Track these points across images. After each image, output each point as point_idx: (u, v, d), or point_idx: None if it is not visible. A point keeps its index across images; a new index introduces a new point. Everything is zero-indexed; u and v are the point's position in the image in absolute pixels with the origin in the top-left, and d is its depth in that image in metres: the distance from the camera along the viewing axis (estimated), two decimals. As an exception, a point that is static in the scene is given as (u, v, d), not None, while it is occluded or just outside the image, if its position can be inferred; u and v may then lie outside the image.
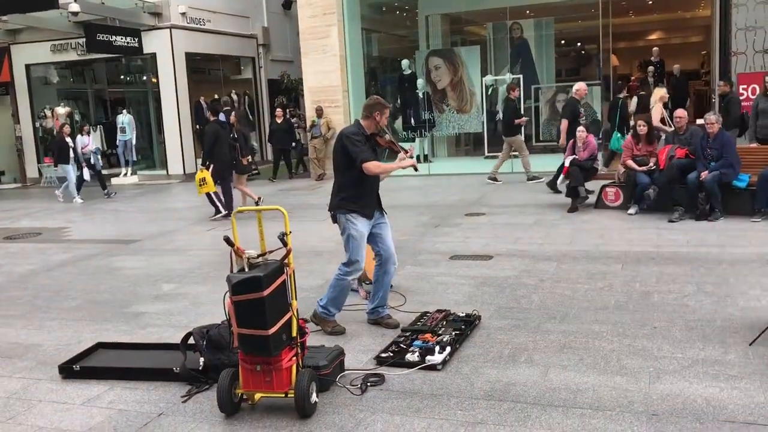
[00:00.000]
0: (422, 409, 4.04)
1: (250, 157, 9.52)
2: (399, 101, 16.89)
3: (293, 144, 16.84)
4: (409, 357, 4.73)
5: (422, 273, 7.06)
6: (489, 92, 15.70)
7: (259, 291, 3.88)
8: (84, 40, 16.16)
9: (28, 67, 18.90)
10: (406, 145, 6.42)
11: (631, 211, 9.35)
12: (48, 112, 19.12)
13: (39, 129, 19.34)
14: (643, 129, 9.34)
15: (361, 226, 5.27)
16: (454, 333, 5.07)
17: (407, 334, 5.13)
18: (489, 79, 15.90)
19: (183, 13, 17.61)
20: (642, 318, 5.33)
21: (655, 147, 9.44)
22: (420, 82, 16.10)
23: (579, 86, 11.72)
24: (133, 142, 18.06)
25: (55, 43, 18.18)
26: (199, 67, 19.48)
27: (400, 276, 6.72)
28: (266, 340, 3.93)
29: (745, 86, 12.41)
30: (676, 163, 8.87)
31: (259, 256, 4.16)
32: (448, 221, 9.67)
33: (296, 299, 4.20)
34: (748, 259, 6.85)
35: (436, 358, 4.67)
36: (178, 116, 17.50)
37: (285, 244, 4.16)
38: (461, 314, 5.44)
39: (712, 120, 8.75)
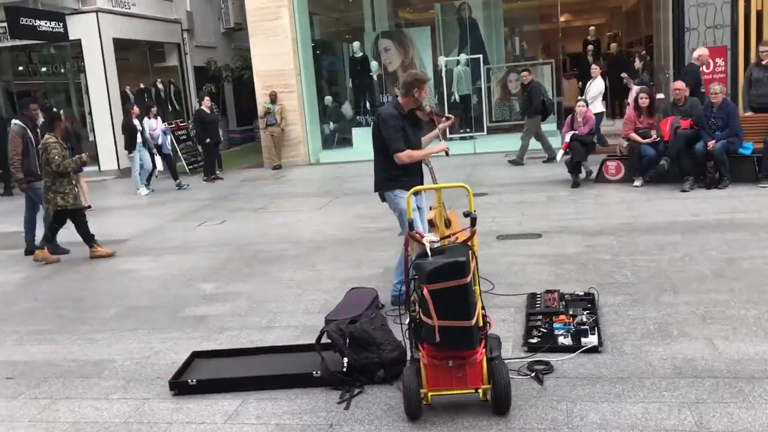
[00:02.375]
0: (623, 394, 3.77)
1: (84, 155, 8.37)
2: (351, 84, 16.43)
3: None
4: (563, 340, 4.45)
5: (481, 255, 6.76)
6: (444, 73, 15.53)
7: (462, 277, 3.46)
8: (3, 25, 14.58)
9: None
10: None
11: (637, 183, 9.45)
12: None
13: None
14: (645, 101, 9.44)
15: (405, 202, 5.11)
16: (586, 313, 4.83)
17: (539, 317, 4.83)
18: (442, 60, 15.72)
19: (108, -5, 16.29)
20: (753, 284, 5.30)
21: (655, 119, 9.57)
22: (374, 64, 15.70)
23: (701, 52, 11.06)
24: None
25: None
26: (127, 54, 18.12)
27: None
28: (470, 332, 3.53)
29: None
30: (683, 133, 9.02)
31: (443, 238, 3.74)
32: (456, 203, 9.39)
33: (479, 284, 3.81)
34: (794, 222, 7.04)
35: (592, 339, 4.41)
36: (110, 107, 16.19)
37: (473, 224, 3.75)
38: (579, 293, 5.21)
39: (717, 90, 8.95)
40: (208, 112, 14.69)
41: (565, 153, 10.02)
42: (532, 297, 5.27)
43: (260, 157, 15.84)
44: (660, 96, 12.84)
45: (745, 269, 5.67)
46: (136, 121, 12.87)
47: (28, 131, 8.42)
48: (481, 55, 15.29)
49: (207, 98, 15.03)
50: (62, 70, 17.85)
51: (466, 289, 3.49)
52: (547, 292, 5.29)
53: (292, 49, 14.75)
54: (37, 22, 14.42)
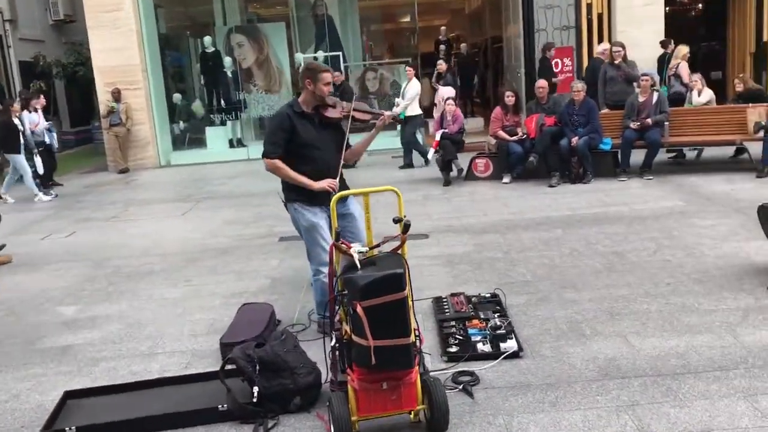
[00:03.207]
0: (557, 402, 3.61)
1: None
2: (203, 81, 15.52)
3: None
4: (482, 348, 4.25)
5: (371, 259, 6.47)
6: (300, 71, 15.06)
7: (400, 290, 3.13)
8: None
9: None
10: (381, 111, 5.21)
11: (506, 180, 9.59)
12: None
13: None
14: (511, 99, 9.60)
15: (309, 216, 4.56)
16: (497, 316, 4.67)
17: (452, 323, 4.60)
18: (299, 56, 15.26)
19: None
20: (645, 277, 5.41)
21: (520, 117, 9.76)
22: (227, 60, 14.91)
23: (605, 46, 11.38)
24: None
25: None
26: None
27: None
28: (408, 350, 3.21)
29: (557, 60, 13.34)
30: (549, 131, 9.26)
31: (373, 247, 3.37)
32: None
33: (412, 298, 3.48)
34: (661, 213, 7.37)
35: (512, 344, 4.24)
36: None
37: (406, 230, 3.41)
38: (486, 295, 5.04)
39: (579, 88, 9.28)
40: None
41: (436, 151, 9.98)
42: (438, 301, 5.05)
43: (102, 160, 14.59)
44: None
45: (633, 262, 5.80)
46: (16, 120, 11.04)
47: None
48: (340, 53, 15.00)
49: (42, 97, 13.52)
50: None
51: (403, 304, 3.16)
52: (452, 295, 5.08)
53: (137, 43, 13.66)
54: None
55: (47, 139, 11.99)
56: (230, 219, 8.70)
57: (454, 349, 4.25)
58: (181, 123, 15.88)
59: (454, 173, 9.98)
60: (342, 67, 14.61)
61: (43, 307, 5.79)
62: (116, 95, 13.61)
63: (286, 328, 4.18)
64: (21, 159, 11.03)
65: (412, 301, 3.38)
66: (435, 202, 8.74)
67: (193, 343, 4.77)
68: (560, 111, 9.43)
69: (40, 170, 11.41)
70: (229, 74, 14.83)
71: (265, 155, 4.53)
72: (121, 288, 6.16)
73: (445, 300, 5.03)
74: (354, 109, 4.65)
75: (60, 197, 11.50)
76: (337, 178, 4.47)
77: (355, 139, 4.82)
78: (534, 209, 7.97)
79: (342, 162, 4.54)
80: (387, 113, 4.77)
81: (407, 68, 12.45)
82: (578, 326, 4.55)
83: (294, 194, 4.61)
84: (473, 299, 4.99)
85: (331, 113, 4.58)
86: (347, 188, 4.54)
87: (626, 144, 9.25)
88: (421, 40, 18.66)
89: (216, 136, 15.14)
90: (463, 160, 10.21)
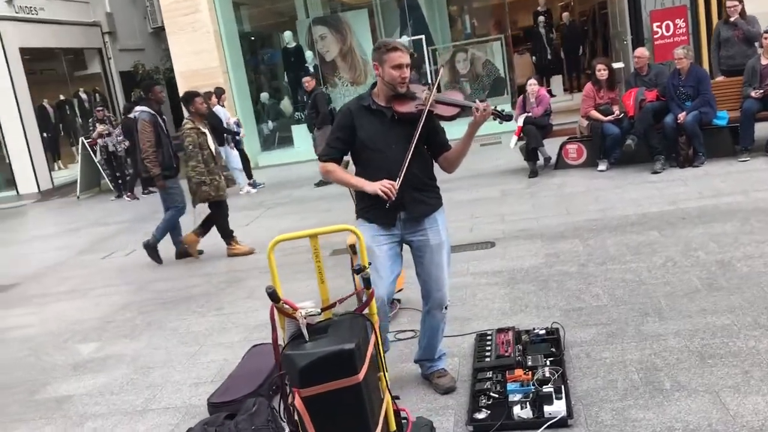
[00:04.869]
0: (607, 504, 2.61)
1: None
2: (286, 78, 15.09)
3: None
4: (519, 412, 3.27)
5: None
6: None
7: (351, 373, 2.26)
8: None
9: None
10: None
11: (602, 167, 8.34)
12: None
13: None
14: (603, 73, 8.32)
15: (366, 236, 3.33)
16: (549, 362, 3.66)
17: (488, 375, 3.65)
18: (383, 44, 14.43)
19: (9, 1, 14.71)
20: (755, 297, 4.19)
21: (617, 93, 8.46)
22: (308, 54, 14.37)
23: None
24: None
25: None
26: (36, 65, 16.53)
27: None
28: (370, 453, 2.34)
29: (658, 23, 11.78)
30: (650, 107, 7.91)
31: (324, 309, 2.52)
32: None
33: (386, 369, 2.61)
34: (788, 203, 5.97)
35: (559, 408, 3.24)
36: (22, 125, 14.66)
37: (367, 285, 2.54)
38: (539, 331, 4.03)
39: (681, 55, 7.85)
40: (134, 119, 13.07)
41: (519, 139, 8.86)
42: (481, 339, 4.10)
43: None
44: (618, 65, 11.77)
45: (741, 276, 4.56)
46: (217, 109, 10.85)
47: (158, 118, 7.19)
48: (423, 36, 14.04)
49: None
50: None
51: (357, 392, 2.29)
52: (500, 331, 4.11)
53: (216, 44, 13.37)
54: (-75, 37, 12.84)
55: (237, 130, 11.61)
56: (291, 228, 8.05)
57: (481, 414, 3.31)
58: (270, 122, 15.53)
59: (540, 162, 8.82)
60: (427, 51, 13.68)
61: (64, 345, 5.37)
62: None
63: (259, 398, 3.36)
64: (228, 151, 10.85)
65: (384, 370, 2.50)
66: (513, 200, 7.68)
67: (192, 395, 4.12)
68: (663, 83, 8.04)
69: (239, 164, 11.20)
70: (311, 69, 14.25)
71: (319, 157, 3.62)
72: (149, 319, 5.65)
73: (489, 337, 4.08)
74: (436, 101, 3.46)
75: (138, 207, 11.40)
76: (397, 183, 3.30)
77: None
78: (629, 204, 6.74)
79: (405, 167, 3.32)
80: (482, 104, 3.38)
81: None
82: (655, 376, 3.47)
83: (358, 205, 3.62)
84: (524, 337, 4.00)
85: (405, 107, 3.42)
86: (419, 205, 3.49)
87: (747, 117, 7.71)
88: (518, 12, 17.31)
89: (303, 134, 14.61)
90: (553, 146, 9.02)
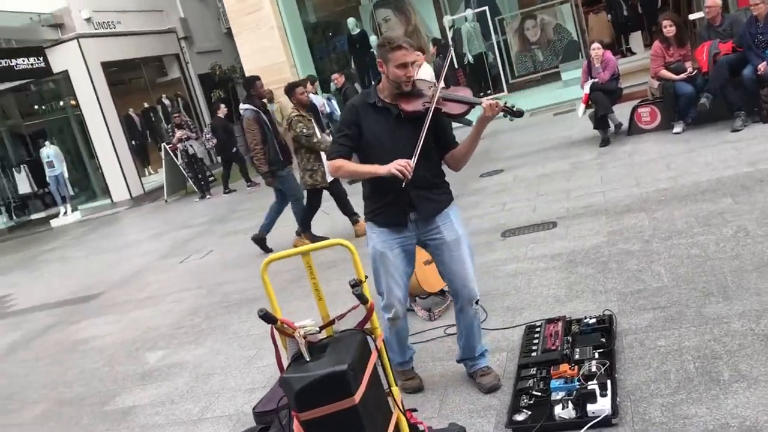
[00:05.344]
0: None
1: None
2: (354, 65, 15.07)
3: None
4: (560, 412, 3.11)
5: (480, 264, 5.40)
6: (452, 35, 13.96)
7: (345, 395, 2.19)
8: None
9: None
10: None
11: (677, 129, 7.83)
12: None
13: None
14: (670, 30, 7.77)
15: (378, 241, 3.40)
16: (597, 354, 3.46)
17: (531, 371, 3.48)
18: (447, 20, 14.14)
19: (88, 19, 15.38)
20: (836, 268, 3.80)
21: (688, 49, 7.90)
22: (373, 39, 14.28)
23: None
24: (65, 175, 15.83)
25: (-52, 83, 15.83)
26: (119, 76, 17.26)
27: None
28: (376, 475, 2.26)
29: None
30: (725, 60, 7.34)
31: (323, 327, 2.46)
32: (464, 189, 8.01)
33: (396, 383, 2.52)
34: None
35: (602, 406, 3.05)
36: (110, 135, 15.38)
37: (363, 300, 2.45)
38: (590, 320, 3.82)
39: (756, 0, 7.23)
40: (223, 119, 13.46)
41: (587, 107, 8.45)
42: (530, 332, 3.92)
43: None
44: (697, 15, 11.02)
45: (823, 244, 4.15)
46: (312, 96, 10.87)
47: (262, 114, 7.46)
48: (486, 7, 13.64)
49: (222, 105, 13.88)
50: (61, 104, 17.12)
51: (355, 413, 2.21)
52: (549, 321, 3.92)
53: (281, 39, 13.49)
54: (14, 61, 13.64)
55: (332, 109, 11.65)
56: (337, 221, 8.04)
57: (521, 416, 3.17)
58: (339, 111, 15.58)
59: (612, 130, 8.39)
60: (492, 23, 13.28)
61: (135, 354, 5.58)
62: (270, 96, 13.56)
63: (280, 420, 3.25)
64: (324, 137, 11.08)
65: (393, 384, 2.41)
66: (582, 173, 7.33)
67: (245, 402, 4.17)
68: (739, 32, 7.44)
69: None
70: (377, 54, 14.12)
71: (329, 157, 3.54)
72: (213, 324, 5.78)
73: (538, 329, 3.90)
74: (443, 99, 3.33)
75: (219, 207, 11.72)
76: (413, 161, 3.18)
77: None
78: (703, 168, 6.29)
79: (419, 152, 3.21)
80: (487, 101, 3.26)
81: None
82: (713, 365, 3.21)
83: (367, 208, 3.52)
84: (574, 327, 3.80)
85: (411, 105, 3.31)
86: (429, 203, 3.40)
87: (837, 61, 7.04)
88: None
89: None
90: (624, 111, 8.56)
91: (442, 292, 4.79)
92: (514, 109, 3.29)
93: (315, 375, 2.20)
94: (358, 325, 2.48)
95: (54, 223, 15.81)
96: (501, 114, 3.26)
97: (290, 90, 7.22)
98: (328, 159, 3.51)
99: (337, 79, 10.71)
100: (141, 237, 11.30)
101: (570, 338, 3.69)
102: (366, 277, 2.51)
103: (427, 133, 3.23)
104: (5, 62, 13.45)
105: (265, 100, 8.23)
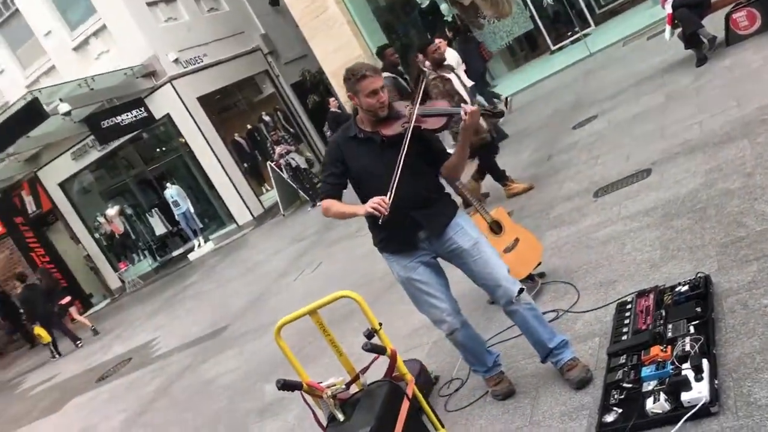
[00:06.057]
0: None
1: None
2: (429, 38, 14.68)
3: None
4: (651, 407, 2.79)
5: (571, 235, 5.07)
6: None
7: (374, 460, 2.05)
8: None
9: (61, 185, 17.93)
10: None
11: (782, 27, 6.95)
12: (101, 219, 18.13)
13: (101, 239, 18.39)
14: None
15: (398, 268, 3.40)
16: (692, 328, 3.09)
17: (621, 360, 3.17)
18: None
19: (176, 60, 16.03)
20: None
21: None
22: (444, 6, 13.84)
23: None
24: (191, 210, 16.71)
25: (72, 150, 17.09)
26: (219, 105, 17.92)
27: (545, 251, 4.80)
28: None
29: None
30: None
31: (349, 383, 2.33)
32: (556, 146, 7.55)
33: (442, 426, 2.34)
34: None
35: (699, 392, 2.70)
36: (220, 163, 16.01)
37: (380, 351, 2.30)
38: (682, 287, 3.42)
39: None
40: (339, 111, 13.30)
41: (674, 27, 7.69)
42: (621, 310, 3.59)
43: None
44: None
45: None
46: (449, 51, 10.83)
47: (399, 80, 7.69)
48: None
49: (332, 98, 13.90)
50: (173, 145, 18.03)
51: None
52: (640, 295, 3.57)
53: (354, 33, 13.39)
54: (119, 118, 14.48)
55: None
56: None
57: (611, 416, 2.88)
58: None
59: (706, 45, 7.58)
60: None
61: (252, 389, 5.73)
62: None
63: None
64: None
65: (439, 426, 2.24)
66: (677, 103, 6.67)
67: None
68: None
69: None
70: (450, 20, 13.70)
71: (321, 197, 3.53)
72: (319, 344, 5.79)
73: (629, 306, 3.56)
74: (421, 116, 3.24)
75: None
76: (389, 196, 3.10)
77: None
78: (814, 69, 5.53)
79: (395, 183, 3.10)
80: (469, 107, 3.16)
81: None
82: (828, 322, 2.77)
83: (375, 238, 3.52)
84: (666, 297, 3.42)
85: (391, 129, 3.25)
86: (435, 218, 3.33)
87: None
88: None
89: (464, 87, 14.17)
90: (718, 22, 7.70)
91: (531, 278, 4.52)
92: (495, 110, 3.38)
93: (338, 443, 2.09)
94: (385, 375, 2.34)
95: (191, 256, 16.71)
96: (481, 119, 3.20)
97: (422, 50, 6.68)
98: (321, 201, 3.51)
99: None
100: (261, 258, 11.67)
101: (663, 312, 3.33)
102: (380, 324, 2.35)
103: (411, 152, 3.15)
104: (111, 121, 14.31)
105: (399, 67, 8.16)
